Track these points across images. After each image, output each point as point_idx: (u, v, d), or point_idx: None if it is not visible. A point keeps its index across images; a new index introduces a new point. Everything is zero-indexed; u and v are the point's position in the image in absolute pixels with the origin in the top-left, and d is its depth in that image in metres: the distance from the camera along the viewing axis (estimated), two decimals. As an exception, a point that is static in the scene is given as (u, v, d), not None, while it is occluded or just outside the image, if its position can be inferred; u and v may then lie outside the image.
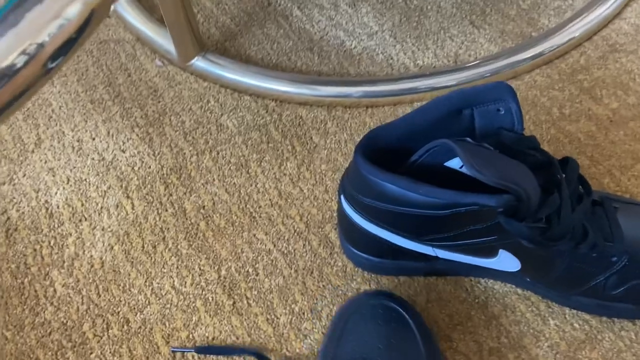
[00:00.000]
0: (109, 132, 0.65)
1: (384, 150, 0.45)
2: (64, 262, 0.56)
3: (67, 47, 0.34)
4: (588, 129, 0.61)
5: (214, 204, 0.59)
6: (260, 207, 0.58)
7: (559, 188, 0.43)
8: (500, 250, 0.45)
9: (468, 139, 0.42)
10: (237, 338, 0.50)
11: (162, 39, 0.70)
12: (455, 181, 0.42)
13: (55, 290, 0.54)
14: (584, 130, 0.61)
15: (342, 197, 0.48)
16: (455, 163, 0.43)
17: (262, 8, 0.76)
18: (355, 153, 0.44)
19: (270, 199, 0.59)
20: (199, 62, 0.68)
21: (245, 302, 0.52)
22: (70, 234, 0.58)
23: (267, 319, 0.51)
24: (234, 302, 0.52)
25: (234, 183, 0.60)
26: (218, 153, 0.63)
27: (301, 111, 0.66)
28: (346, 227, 0.50)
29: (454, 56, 0.69)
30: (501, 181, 0.37)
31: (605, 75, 0.65)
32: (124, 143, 0.64)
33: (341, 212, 0.49)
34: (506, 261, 0.46)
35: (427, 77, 0.66)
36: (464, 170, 0.42)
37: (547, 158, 0.44)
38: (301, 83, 0.67)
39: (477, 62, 0.67)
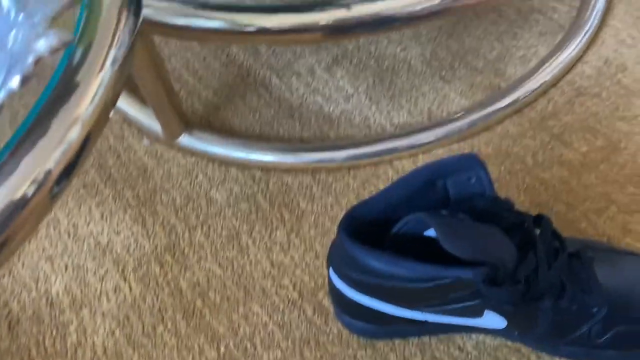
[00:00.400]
0: (102, 215, 0.67)
1: (367, 224, 0.47)
2: (67, 351, 0.57)
3: (70, 169, 0.37)
4: (561, 174, 0.64)
5: (208, 280, 0.61)
6: (253, 279, 0.60)
7: (534, 247, 0.45)
8: (486, 311, 0.47)
9: (443, 211, 0.45)
10: (241, 415, 0.52)
11: (148, 119, 0.73)
12: (438, 247, 0.44)
13: (60, 381, 0.56)
14: (558, 176, 0.64)
15: (330, 269, 0.50)
16: (433, 232, 0.45)
17: (242, 79, 0.80)
18: (338, 231, 0.46)
19: (262, 270, 0.61)
20: (185, 139, 0.71)
21: (246, 377, 0.54)
22: (72, 322, 0.59)
23: (269, 393, 0.53)
24: (235, 379, 0.54)
25: (227, 257, 0.62)
26: (209, 227, 0.65)
27: (287, 178, 0.68)
28: (337, 297, 0.52)
29: (428, 112, 0.72)
30: (476, 256, 0.40)
31: (573, 120, 0.68)
32: (118, 225, 0.66)
33: (331, 284, 0.51)
34: (492, 320, 0.48)
35: (404, 137, 0.69)
36: None
37: (520, 219, 0.47)
38: (285, 151, 0.69)
39: (450, 117, 0.70)
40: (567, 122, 0.68)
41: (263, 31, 0.57)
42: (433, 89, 0.74)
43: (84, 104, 0.39)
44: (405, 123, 0.71)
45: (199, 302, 0.59)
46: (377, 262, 0.43)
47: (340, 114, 0.74)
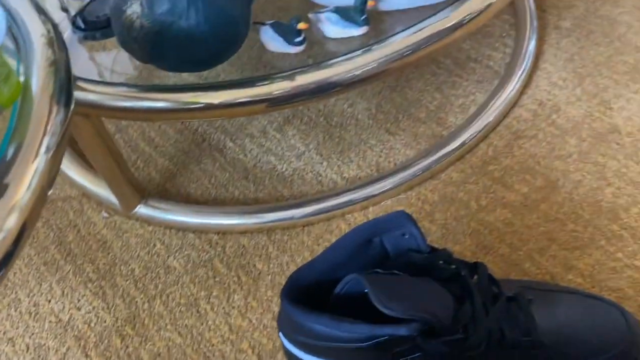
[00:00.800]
0: (63, 292, 0.68)
1: (311, 287, 0.49)
2: None
3: (8, 257, 0.38)
4: (504, 217, 0.67)
5: (168, 349, 0.61)
6: (212, 345, 0.61)
7: (471, 296, 0.47)
8: (431, 361, 0.49)
9: (379, 270, 0.47)
10: None
11: (106, 192, 0.75)
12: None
13: None
14: (501, 219, 0.67)
15: (280, 333, 0.52)
16: None
17: (197, 145, 0.82)
18: (281, 296, 0.47)
19: (221, 335, 0.62)
20: (142, 210, 0.73)
21: None
22: (33, 404, 0.59)
23: None
24: None
25: (186, 324, 0.63)
26: (168, 296, 0.66)
27: (243, 240, 0.70)
28: (292, 359, 0.53)
29: (376, 165, 0.75)
30: (408, 312, 0.41)
31: (513, 163, 0.72)
32: (78, 300, 0.67)
33: (284, 347, 0.52)
34: (439, 370, 0.49)
35: (355, 191, 0.71)
36: None
37: (456, 269, 0.49)
38: (240, 213, 0.71)
39: (397, 168, 0.73)
40: (507, 165, 0.72)
41: (210, 107, 0.59)
42: (380, 142, 0.77)
43: (20, 192, 0.40)
44: (355, 176, 0.74)
45: (159, 373, 0.60)
46: (317, 325, 0.45)
47: (292, 172, 0.76)
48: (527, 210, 0.67)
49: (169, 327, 0.63)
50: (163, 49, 0.54)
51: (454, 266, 0.49)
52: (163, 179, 0.79)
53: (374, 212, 0.70)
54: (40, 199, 0.42)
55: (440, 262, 0.49)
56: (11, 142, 0.42)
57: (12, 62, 0.47)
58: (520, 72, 0.80)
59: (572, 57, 0.83)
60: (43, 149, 0.44)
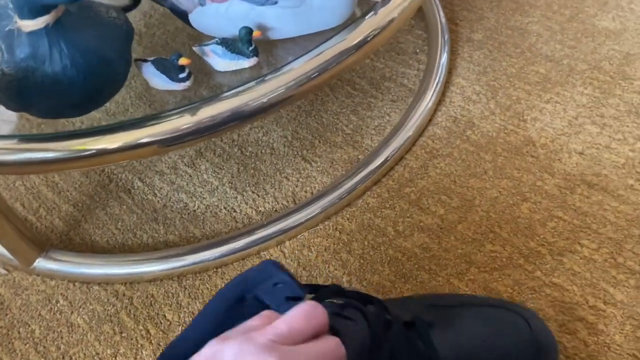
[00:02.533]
0: (-47, 364, 0.62)
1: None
2: None
3: None
4: (422, 241, 0.64)
5: (71, 418, 0.56)
6: (118, 409, 0.56)
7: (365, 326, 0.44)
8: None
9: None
10: None
11: (2, 248, 0.69)
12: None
13: None
14: (419, 244, 0.64)
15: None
16: None
17: (103, 187, 0.77)
18: None
19: (128, 397, 0.57)
20: (41, 264, 0.67)
21: None
22: None
23: None
24: None
25: (90, 388, 0.58)
26: (71, 358, 0.61)
27: (152, 289, 0.65)
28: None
29: (292, 195, 0.72)
30: None
31: (429, 184, 0.70)
32: (-30, 372, 0.61)
33: None
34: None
35: (270, 225, 0.67)
36: None
37: (344, 304, 0.46)
38: (148, 260, 0.67)
39: (313, 197, 0.70)
40: (423, 186, 0.70)
41: (103, 152, 0.55)
42: (296, 170, 0.74)
43: None
44: (271, 209, 0.71)
45: None
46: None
47: (205, 209, 0.72)
48: (444, 232, 0.65)
49: (70, 393, 0.58)
50: (32, 96, 0.49)
51: (342, 301, 0.46)
52: (67, 227, 0.73)
53: (290, 247, 0.67)
54: None
55: (328, 300, 0.46)
56: None
57: None
58: (433, 89, 0.79)
59: (485, 69, 0.82)
60: None
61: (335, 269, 0.64)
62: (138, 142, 0.55)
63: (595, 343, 0.54)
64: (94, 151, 0.54)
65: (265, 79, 0.55)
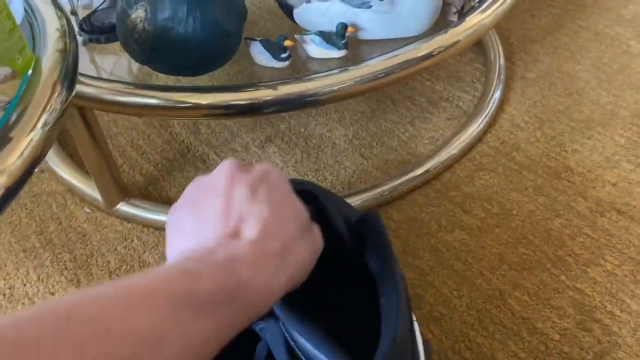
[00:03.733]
0: (39, 277, 0.71)
1: None
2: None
3: None
4: (461, 237, 0.72)
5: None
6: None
7: None
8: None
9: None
10: None
11: (90, 189, 0.79)
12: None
13: None
14: (458, 239, 0.72)
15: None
16: None
17: (182, 155, 0.87)
18: None
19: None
20: (123, 207, 0.77)
21: None
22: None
23: None
24: None
25: (155, 314, 0.66)
26: (141, 287, 0.69)
27: (216, 243, 0.74)
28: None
29: (348, 184, 0.80)
30: None
31: (473, 191, 0.77)
32: (53, 286, 0.70)
33: None
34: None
35: (325, 204, 0.76)
36: None
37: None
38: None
39: (366, 187, 0.78)
40: (468, 192, 0.77)
41: (198, 107, 0.65)
42: (353, 164, 0.83)
43: (13, 157, 0.45)
44: (327, 193, 0.79)
45: None
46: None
47: (269, 185, 0.81)
48: (482, 233, 0.72)
49: (137, 315, 0.66)
50: (161, 52, 0.60)
51: None
52: (146, 182, 0.83)
53: (341, 225, 0.75)
54: (30, 168, 0.47)
55: None
56: (13, 111, 0.47)
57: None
58: (486, 112, 0.87)
59: (535, 103, 0.90)
60: (41, 123, 0.48)
61: (381, 249, 0.71)
62: (233, 102, 0.64)
63: (608, 342, 0.60)
64: (190, 104, 0.64)
65: (348, 68, 0.64)
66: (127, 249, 0.74)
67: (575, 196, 0.76)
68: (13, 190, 0.43)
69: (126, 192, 0.78)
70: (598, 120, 0.87)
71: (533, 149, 0.83)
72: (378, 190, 0.77)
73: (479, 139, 0.85)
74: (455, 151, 0.82)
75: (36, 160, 0.47)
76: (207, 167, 0.85)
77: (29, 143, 0.47)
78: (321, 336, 0.38)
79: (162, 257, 0.72)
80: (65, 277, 0.71)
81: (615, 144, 0.82)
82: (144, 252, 0.73)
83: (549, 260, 0.68)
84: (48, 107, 0.48)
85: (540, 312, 0.63)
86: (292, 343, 0.39)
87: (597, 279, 0.66)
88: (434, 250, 0.71)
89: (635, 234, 0.70)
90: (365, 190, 0.78)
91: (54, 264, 0.73)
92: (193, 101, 0.64)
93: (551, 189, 0.77)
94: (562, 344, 0.61)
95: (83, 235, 0.76)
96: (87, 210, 0.79)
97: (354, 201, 0.76)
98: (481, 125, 0.85)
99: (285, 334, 0.39)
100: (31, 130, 0.47)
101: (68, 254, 0.74)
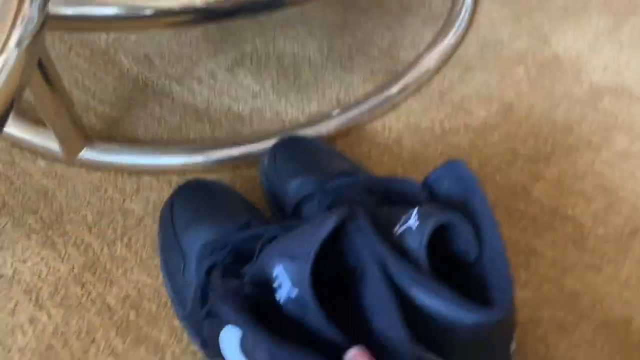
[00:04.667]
0: (2, 246, 0.60)
1: None
2: (-20, 399, 0.49)
3: None
4: (469, 138, 0.68)
5: (139, 291, 0.56)
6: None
7: None
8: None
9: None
10: (201, 421, 0.47)
11: (42, 139, 0.67)
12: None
13: None
14: (466, 140, 0.68)
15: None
16: None
17: (139, 91, 0.76)
18: None
19: (198, 271, 0.57)
20: (87, 155, 0.66)
21: (199, 381, 0.50)
22: (-19, 366, 0.51)
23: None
24: (188, 385, 0.49)
25: (155, 265, 0.58)
26: (130, 239, 0.60)
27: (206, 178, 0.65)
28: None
29: (336, 100, 0.74)
30: None
31: (468, 91, 0.73)
32: (22, 253, 0.59)
33: None
34: None
35: (319, 124, 0.69)
36: None
37: None
38: (198, 151, 0.67)
39: (358, 101, 0.72)
40: (464, 93, 0.73)
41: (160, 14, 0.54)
42: (337, 79, 0.76)
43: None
44: (317, 112, 0.72)
45: (132, 315, 0.54)
46: None
47: (250, 111, 0.73)
48: (489, 131, 0.69)
49: (135, 269, 0.58)
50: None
51: None
52: (105, 126, 0.72)
53: (342, 143, 0.68)
54: (6, 107, 0.36)
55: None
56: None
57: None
58: (462, 14, 0.83)
59: (508, 2, 0.87)
60: (14, 40, 0.38)
61: (389, 160, 0.66)
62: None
63: (639, 217, 0.60)
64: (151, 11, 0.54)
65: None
66: (102, 200, 0.64)
67: (570, 84, 0.73)
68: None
69: (87, 137, 0.67)
70: (573, 9, 0.84)
71: (517, 42, 0.80)
72: (371, 102, 0.71)
73: (461, 39, 0.80)
74: (440, 54, 0.77)
75: (16, 91, 0.37)
76: (171, 100, 0.74)
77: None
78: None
79: (148, 204, 0.63)
80: (35, 241, 0.60)
81: (595, 30, 0.81)
82: (124, 200, 0.64)
83: (562, 148, 0.66)
84: (19, 18, 0.38)
85: (567, 200, 0.62)
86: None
87: (612, 160, 0.65)
88: (444, 155, 0.67)
89: (637, 112, 0.70)
90: (358, 104, 0.71)
91: (17, 228, 0.61)
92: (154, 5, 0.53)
93: (545, 79, 0.74)
94: (596, 227, 0.59)
95: (44, 193, 0.65)
96: (42, 163, 0.67)
97: (349, 118, 0.70)
98: (462, 25, 0.81)
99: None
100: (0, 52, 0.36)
101: (32, 215, 0.62)
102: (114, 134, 0.71)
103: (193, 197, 0.55)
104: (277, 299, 0.34)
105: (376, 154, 0.67)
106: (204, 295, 0.45)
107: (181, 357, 0.51)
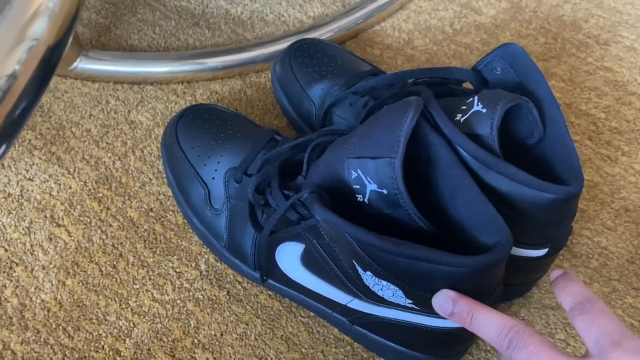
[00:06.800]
0: (3, 165, 0.56)
1: None
2: (10, 318, 0.47)
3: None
4: (480, 37, 0.67)
5: (161, 203, 0.54)
6: (214, 190, 0.54)
7: None
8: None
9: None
10: (247, 324, 0.47)
11: (28, 48, 0.61)
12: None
13: (14, 353, 0.46)
14: (478, 40, 0.67)
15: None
16: None
17: (125, -5, 0.70)
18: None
19: (220, 180, 0.55)
20: (82, 64, 0.61)
21: (239, 287, 0.49)
22: (5, 286, 0.49)
23: (270, 295, 0.49)
24: (228, 292, 0.49)
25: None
26: (142, 151, 0.57)
27: (214, 86, 0.62)
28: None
29: (341, 1, 0.70)
30: None
31: (475, -11, 0.71)
32: (27, 171, 0.55)
33: None
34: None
35: (325, 26, 0.66)
36: None
37: None
38: (205, 56, 0.63)
39: (364, 1, 0.69)
40: (471, -9, 0.71)
41: None
42: (337, -21, 0.72)
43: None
44: (322, 14, 0.69)
45: (158, 227, 0.52)
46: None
47: (250, 14, 0.69)
48: (500, 29, 0.68)
49: (154, 181, 0.55)
50: None
51: None
52: (96, 34, 0.66)
53: (352, 44, 0.66)
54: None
55: None
56: None
57: None
58: None
59: None
60: None
61: (403, 63, 0.64)
62: None
63: (648, 110, 0.61)
64: None
65: None
66: (106, 112, 0.60)
67: (575, -20, 0.73)
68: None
69: (81, 46, 0.62)
70: None
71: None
72: (378, 2, 0.68)
73: None
74: (444, -50, 0.74)
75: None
76: (163, 4, 0.69)
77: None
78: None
79: (156, 114, 0.60)
80: (39, 158, 0.56)
81: None
82: (129, 112, 0.60)
83: (572, 45, 0.66)
84: None
85: (580, 96, 0.62)
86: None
87: (621, 55, 0.66)
88: (458, 54, 0.65)
89: (641, 8, 0.70)
90: (363, 4, 0.68)
91: (16, 146, 0.57)
92: None
93: (550, -24, 0.73)
94: (610, 120, 0.60)
95: (39, 107, 0.60)
96: (31, 76, 0.62)
97: (356, 18, 0.67)
98: None
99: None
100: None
101: (30, 132, 0.58)
102: (105, 42, 0.66)
103: (200, 124, 0.51)
104: (360, 199, 0.34)
105: (388, 57, 0.65)
106: (253, 215, 0.43)
107: (216, 264, 0.50)
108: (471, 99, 0.38)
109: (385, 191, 0.32)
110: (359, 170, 0.33)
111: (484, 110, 0.36)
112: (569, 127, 0.59)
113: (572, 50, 0.66)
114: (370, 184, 0.33)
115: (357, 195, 0.34)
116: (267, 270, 0.44)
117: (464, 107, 0.37)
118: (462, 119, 0.37)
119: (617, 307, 0.48)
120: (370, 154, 0.33)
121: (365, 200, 0.34)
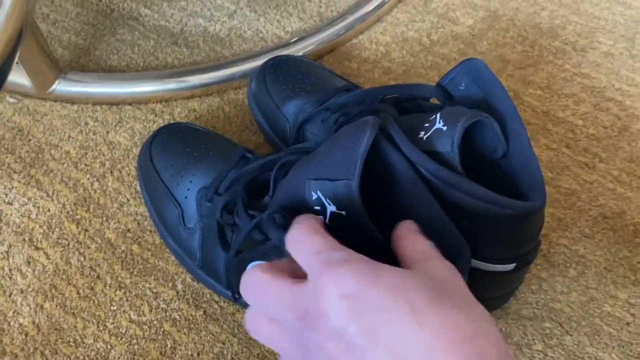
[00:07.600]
0: (-18, 189, 0.56)
1: None
2: (-12, 343, 0.48)
3: None
4: (458, 47, 0.67)
5: (138, 223, 0.54)
6: (191, 209, 0.55)
7: None
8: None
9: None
10: (223, 343, 0.47)
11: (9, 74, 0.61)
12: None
13: (-9, 377, 0.46)
14: (455, 50, 0.67)
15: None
16: None
17: (105, 16, 0.71)
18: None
19: (198, 199, 0.55)
20: (61, 86, 0.62)
21: (216, 306, 0.49)
22: (-17, 311, 0.49)
23: (247, 313, 0.49)
24: (205, 311, 0.49)
25: (153, 195, 0.56)
26: (120, 171, 0.57)
27: (192, 104, 0.63)
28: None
29: (318, 15, 0.71)
30: None
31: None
32: (6, 195, 0.56)
33: None
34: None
35: (303, 41, 0.66)
36: None
37: None
38: (182, 75, 0.63)
39: (341, 15, 0.69)
40: (447, 1, 0.71)
41: None
42: (315, -7, 0.73)
43: None
44: (299, 29, 0.69)
45: (135, 248, 0.52)
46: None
47: (228, 31, 0.69)
48: (477, 39, 0.68)
49: (131, 201, 0.55)
50: None
51: None
52: (75, 56, 0.67)
53: (329, 59, 0.66)
54: None
55: None
56: None
57: None
58: None
59: None
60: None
61: (380, 76, 0.65)
62: None
63: (625, 116, 0.61)
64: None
65: None
66: (84, 134, 0.60)
67: (552, -13, 0.73)
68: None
69: (59, 68, 0.62)
70: None
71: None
72: (354, 16, 0.69)
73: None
74: (421, -39, 0.74)
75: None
76: (142, 24, 0.70)
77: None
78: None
79: (134, 134, 0.60)
80: (18, 181, 0.57)
81: None
82: (108, 132, 0.60)
83: (549, 52, 0.66)
84: None
85: (558, 103, 0.62)
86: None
87: (598, 61, 0.66)
88: (435, 65, 0.66)
89: (618, 13, 0.70)
90: (341, 17, 0.69)
91: (-5, 169, 0.58)
92: None
93: (527, -16, 0.73)
94: (587, 127, 0.60)
95: (19, 131, 0.61)
96: (11, 99, 0.63)
97: (334, 32, 0.67)
98: None
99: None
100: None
101: (9, 155, 0.59)
102: (85, 63, 0.66)
103: (174, 143, 0.51)
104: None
105: (366, 70, 0.65)
106: (222, 234, 0.43)
107: (193, 284, 0.50)
108: (434, 116, 0.38)
109: (344, 213, 0.33)
110: (318, 191, 0.34)
111: (445, 128, 0.36)
112: (546, 134, 0.60)
113: (549, 57, 0.66)
114: (330, 205, 0.33)
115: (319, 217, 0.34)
116: (238, 289, 0.44)
117: (427, 125, 0.38)
118: (424, 137, 0.37)
119: (595, 315, 0.48)
120: (329, 176, 0.33)
121: (327, 221, 0.34)
